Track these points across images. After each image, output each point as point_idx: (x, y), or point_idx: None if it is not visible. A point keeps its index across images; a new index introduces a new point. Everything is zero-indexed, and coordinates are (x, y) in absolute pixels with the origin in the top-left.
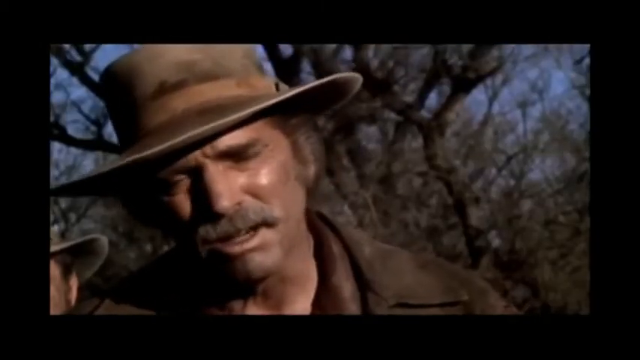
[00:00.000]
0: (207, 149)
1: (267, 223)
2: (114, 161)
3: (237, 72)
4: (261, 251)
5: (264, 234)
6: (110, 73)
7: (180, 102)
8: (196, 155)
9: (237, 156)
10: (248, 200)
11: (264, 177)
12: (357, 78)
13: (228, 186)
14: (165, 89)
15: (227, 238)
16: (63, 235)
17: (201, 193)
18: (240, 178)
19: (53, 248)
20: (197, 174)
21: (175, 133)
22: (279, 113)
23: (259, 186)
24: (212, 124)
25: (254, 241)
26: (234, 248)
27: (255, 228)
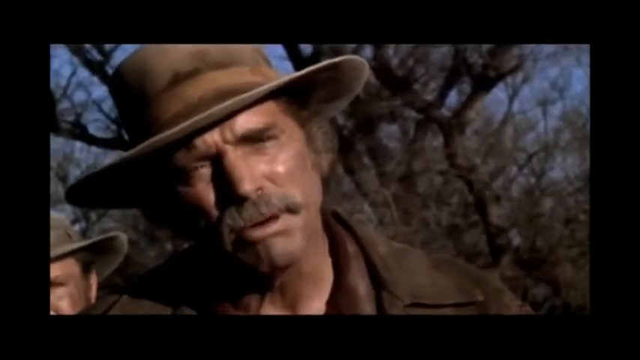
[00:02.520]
0: (228, 134)
1: (290, 209)
2: (131, 151)
3: (249, 61)
4: (284, 236)
5: (286, 219)
6: (121, 72)
7: (195, 90)
8: (217, 141)
9: (256, 141)
10: (269, 186)
11: (283, 164)
12: (360, 61)
13: (249, 171)
14: (179, 79)
15: (253, 224)
16: (84, 234)
17: (223, 179)
18: (261, 165)
19: (73, 246)
20: (218, 161)
21: (193, 118)
22: (291, 104)
23: (279, 173)
24: (233, 100)
25: (276, 226)
26: (257, 233)
27: (280, 213)
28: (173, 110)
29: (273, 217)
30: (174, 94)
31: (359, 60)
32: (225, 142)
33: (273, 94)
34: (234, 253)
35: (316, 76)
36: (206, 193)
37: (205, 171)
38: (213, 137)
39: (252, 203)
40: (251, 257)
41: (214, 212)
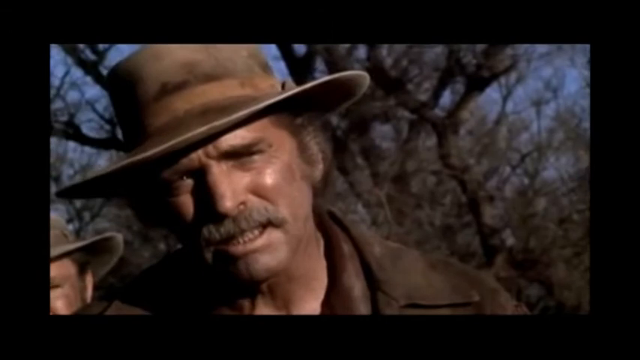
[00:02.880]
0: (211, 149)
1: (273, 224)
2: (114, 163)
3: (241, 72)
4: (267, 252)
5: (271, 234)
6: (114, 75)
7: (182, 103)
8: (200, 156)
9: (241, 156)
10: (252, 200)
11: (269, 177)
12: (363, 76)
13: (231, 187)
14: (167, 90)
15: (230, 238)
16: (77, 234)
17: (204, 194)
18: (245, 178)
19: (69, 247)
20: (201, 175)
21: (176, 134)
22: (284, 113)
23: (264, 186)
24: (211, 125)
25: (259, 242)
26: (238, 248)
27: (263, 227)
28: (160, 121)
29: (258, 232)
30: (163, 105)
31: (357, 73)
32: (209, 157)
33: (263, 109)
34: (214, 264)
35: (310, 91)
36: (188, 205)
37: (189, 182)
38: (196, 152)
39: (231, 220)
40: (231, 270)
41: (194, 224)
